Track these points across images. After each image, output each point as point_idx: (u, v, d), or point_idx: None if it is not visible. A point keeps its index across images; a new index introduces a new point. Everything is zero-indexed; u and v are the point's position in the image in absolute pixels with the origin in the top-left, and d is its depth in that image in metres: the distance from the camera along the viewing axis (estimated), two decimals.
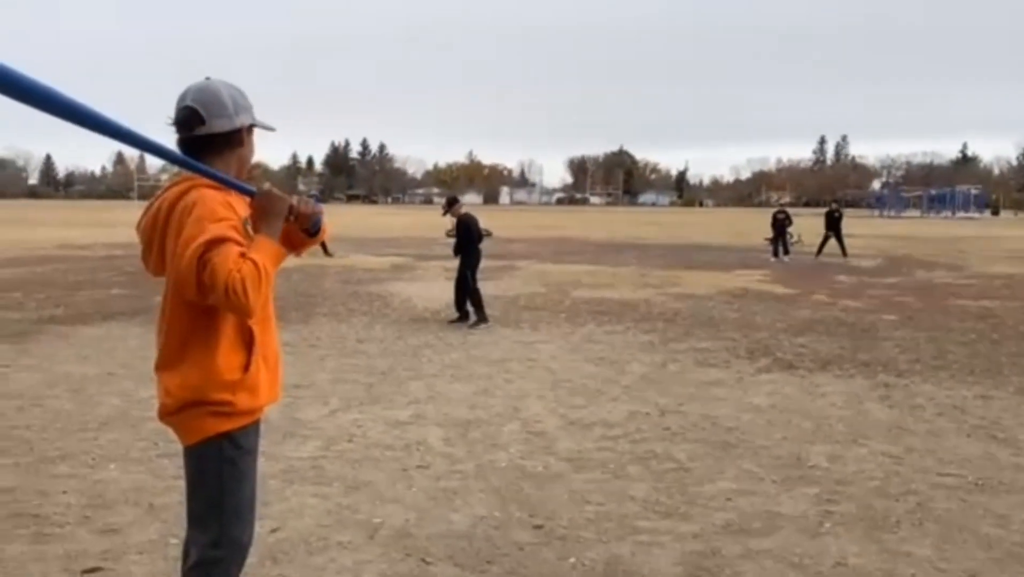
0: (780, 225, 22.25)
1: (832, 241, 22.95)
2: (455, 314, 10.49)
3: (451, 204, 10.77)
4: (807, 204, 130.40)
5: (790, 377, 7.42)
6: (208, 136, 2.39)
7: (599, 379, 7.29)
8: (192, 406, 2.36)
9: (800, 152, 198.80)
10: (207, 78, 2.46)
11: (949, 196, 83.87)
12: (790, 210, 24.41)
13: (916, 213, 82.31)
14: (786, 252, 22.13)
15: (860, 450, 5.28)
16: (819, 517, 4.15)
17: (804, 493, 4.49)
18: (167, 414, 2.42)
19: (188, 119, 2.37)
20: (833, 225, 23.19)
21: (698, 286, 14.76)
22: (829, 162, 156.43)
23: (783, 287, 14.84)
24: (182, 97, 2.41)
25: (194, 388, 2.34)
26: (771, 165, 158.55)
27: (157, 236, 2.44)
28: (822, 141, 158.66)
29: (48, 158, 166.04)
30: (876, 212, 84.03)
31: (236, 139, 2.46)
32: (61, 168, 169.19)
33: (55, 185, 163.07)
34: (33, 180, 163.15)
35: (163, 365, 2.43)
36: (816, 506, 4.30)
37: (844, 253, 22.55)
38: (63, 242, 25.53)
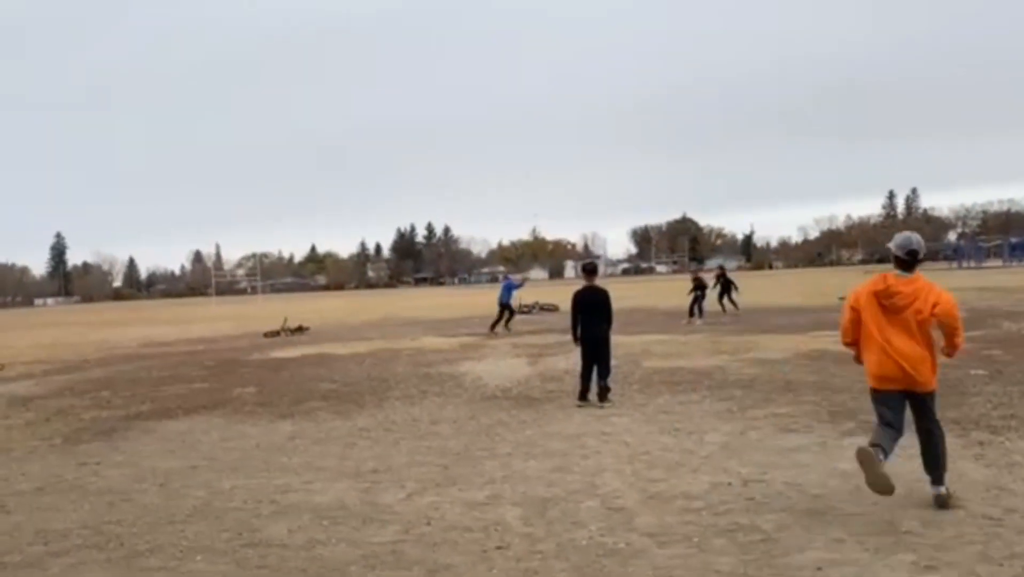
0: (703, 287, 23.74)
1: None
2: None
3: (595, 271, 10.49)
4: (880, 260, 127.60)
5: None
6: (919, 260, 5.32)
7: (677, 450, 7.16)
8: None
9: (868, 208, 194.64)
10: (910, 232, 5.41)
11: None
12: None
13: (997, 263, 79.45)
14: (700, 314, 23.39)
15: (957, 513, 5.04)
16: None
17: (900, 560, 4.29)
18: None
19: (917, 252, 5.32)
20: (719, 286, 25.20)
21: (773, 350, 14.46)
22: (900, 216, 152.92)
23: None
24: (913, 241, 5.34)
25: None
26: (839, 223, 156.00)
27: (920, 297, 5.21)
28: (891, 195, 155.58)
29: (131, 261, 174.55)
30: (954, 264, 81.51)
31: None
32: (143, 269, 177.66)
33: (138, 286, 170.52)
34: (118, 282, 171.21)
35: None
36: (914, 574, 4.11)
37: (723, 310, 24.67)
38: (147, 340, 26.51)
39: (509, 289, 23.26)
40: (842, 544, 4.59)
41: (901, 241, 5.33)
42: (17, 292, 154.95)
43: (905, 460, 6.38)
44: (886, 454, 5.07)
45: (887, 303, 5.21)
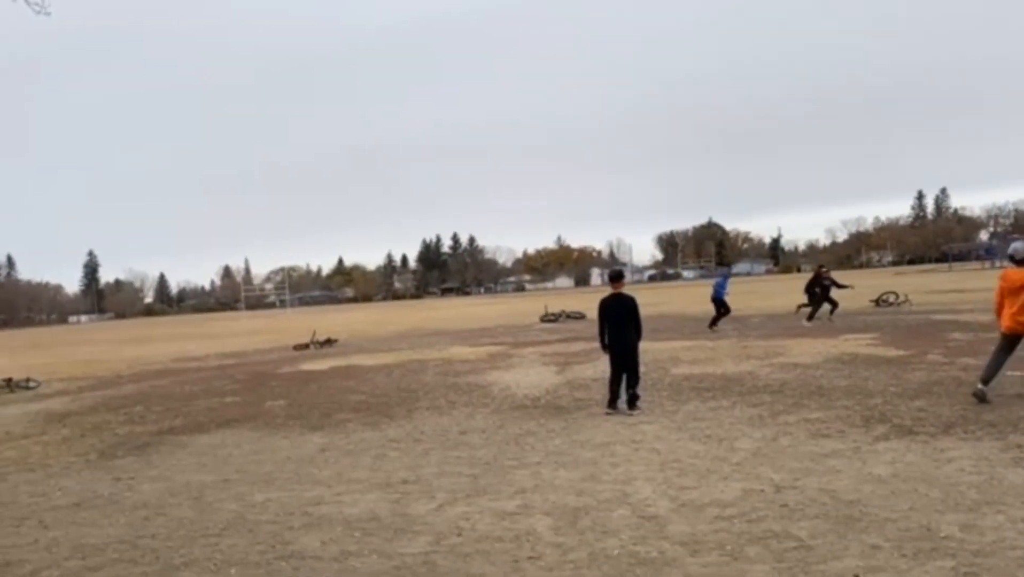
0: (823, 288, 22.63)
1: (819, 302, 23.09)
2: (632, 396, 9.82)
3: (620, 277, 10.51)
4: (911, 262, 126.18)
5: (911, 443, 7.06)
6: None
7: (708, 457, 7.10)
8: None
9: (897, 209, 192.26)
10: (1019, 242, 8.72)
11: None
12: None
13: None
14: (832, 309, 22.62)
15: (997, 517, 4.95)
16: None
17: (939, 567, 4.22)
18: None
19: None
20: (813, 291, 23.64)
21: (803, 354, 14.31)
22: (930, 216, 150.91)
23: (894, 349, 14.23)
24: (1019, 249, 8.60)
25: None
26: (868, 225, 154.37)
27: None
28: (920, 196, 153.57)
29: (162, 277, 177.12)
30: (987, 263, 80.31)
31: None
32: (173, 285, 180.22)
33: (168, 301, 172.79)
34: (149, 299, 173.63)
35: None
36: None
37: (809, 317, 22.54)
38: (178, 356, 26.82)
39: (724, 284, 22.33)
40: (879, 550, 4.52)
41: (1015, 248, 8.69)
42: (51, 310, 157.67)
43: (943, 464, 6.30)
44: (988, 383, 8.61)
45: (1017, 287, 8.47)
